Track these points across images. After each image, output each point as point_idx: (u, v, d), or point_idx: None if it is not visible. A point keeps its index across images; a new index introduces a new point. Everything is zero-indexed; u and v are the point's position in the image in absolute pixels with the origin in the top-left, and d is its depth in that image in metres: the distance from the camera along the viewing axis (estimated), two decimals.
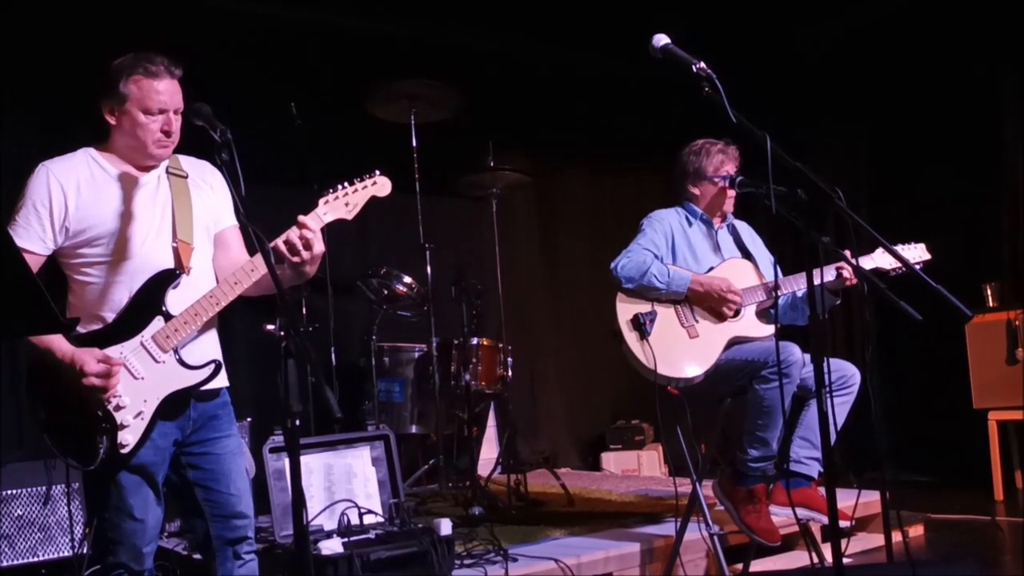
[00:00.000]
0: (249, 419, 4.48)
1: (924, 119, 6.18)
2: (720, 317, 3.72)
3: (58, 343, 2.44)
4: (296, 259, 2.53)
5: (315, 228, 2.55)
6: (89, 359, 2.43)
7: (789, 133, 5.39)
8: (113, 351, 2.49)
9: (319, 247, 2.55)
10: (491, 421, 5.94)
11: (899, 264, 3.48)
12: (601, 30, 6.18)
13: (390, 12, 5.70)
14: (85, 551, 3.78)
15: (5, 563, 3.76)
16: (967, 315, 2.08)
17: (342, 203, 2.62)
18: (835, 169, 6.70)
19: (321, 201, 2.61)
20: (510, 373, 5.05)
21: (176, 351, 2.54)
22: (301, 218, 2.56)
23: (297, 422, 2.10)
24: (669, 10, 5.55)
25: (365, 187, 2.65)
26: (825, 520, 3.53)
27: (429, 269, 4.91)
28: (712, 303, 3.71)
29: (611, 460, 6.50)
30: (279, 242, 2.53)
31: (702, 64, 2.42)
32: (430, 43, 5.92)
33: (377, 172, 2.68)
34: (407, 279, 4.92)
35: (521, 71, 6.32)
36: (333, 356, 4.95)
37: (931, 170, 6.20)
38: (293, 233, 2.53)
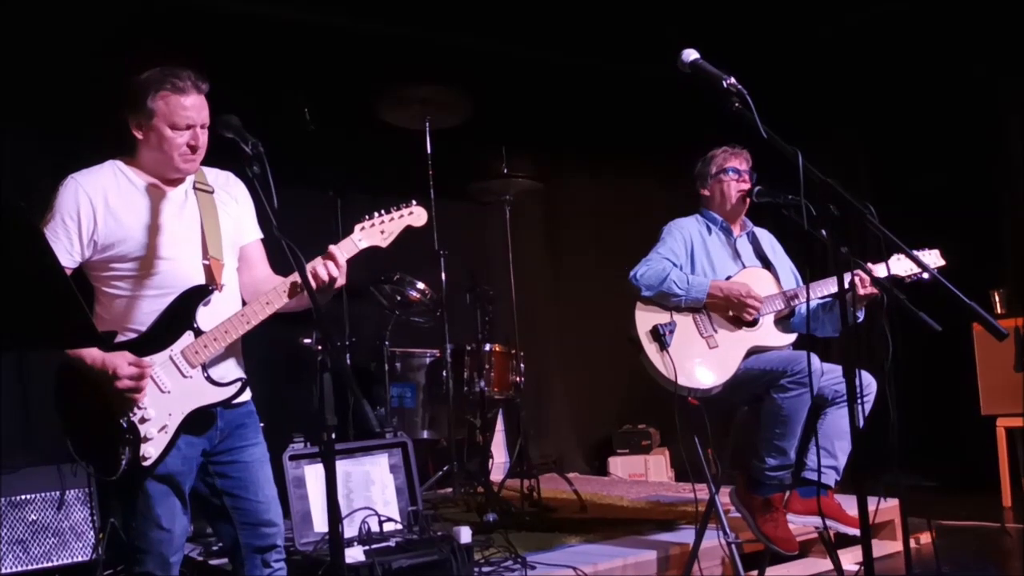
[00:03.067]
0: (262, 424, 4.47)
1: (925, 122, 6.18)
2: (739, 323, 3.73)
3: (88, 350, 2.45)
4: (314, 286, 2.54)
5: (342, 263, 2.58)
6: (121, 362, 2.44)
7: (788, 138, 5.39)
8: None
9: (341, 281, 2.58)
10: (499, 426, 5.95)
11: (915, 271, 3.50)
12: (614, 35, 6.21)
13: (404, 18, 5.71)
14: (99, 555, 3.79)
15: (19, 568, 3.76)
16: (1003, 334, 2.08)
17: (377, 231, 2.66)
18: (835, 174, 6.69)
19: (357, 227, 2.64)
20: (522, 379, 5.05)
21: (204, 367, 2.55)
22: (332, 249, 2.58)
23: (333, 435, 2.12)
24: (670, 13, 5.59)
25: (402, 216, 2.69)
26: (841, 528, 3.56)
27: (444, 275, 4.92)
28: (732, 308, 3.72)
29: (618, 464, 6.52)
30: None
31: (732, 79, 2.42)
32: (444, 50, 5.92)
33: (414, 202, 2.72)
34: (420, 285, 4.92)
35: (535, 77, 6.32)
36: (348, 361, 4.95)
37: (933, 174, 6.19)
38: (320, 266, 2.54)
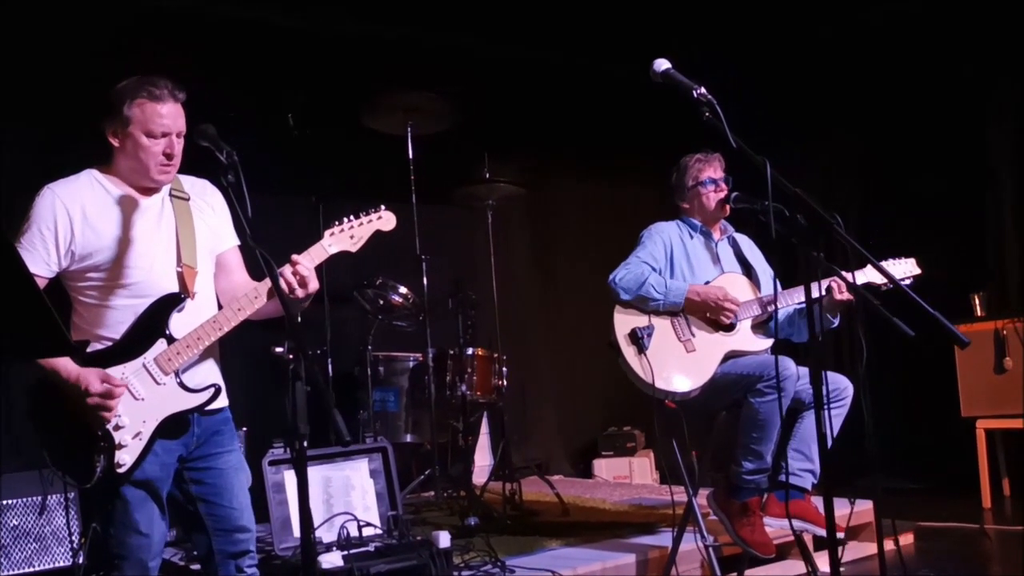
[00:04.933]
0: (244, 429, 4.48)
1: (913, 127, 6.21)
2: (716, 327, 3.75)
3: (64, 363, 2.46)
4: (291, 297, 2.56)
5: (309, 266, 2.59)
6: (93, 379, 2.46)
7: (777, 141, 5.43)
8: (115, 371, 2.52)
9: (314, 284, 2.59)
10: (483, 429, 5.96)
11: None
12: (598, 39, 6.22)
13: (387, 22, 5.71)
14: (81, 561, 3.79)
15: (0, 573, 3.76)
16: (964, 342, 2.11)
17: (347, 235, 2.68)
18: (824, 177, 6.73)
19: (327, 233, 2.67)
20: (505, 383, 5.07)
21: (177, 374, 2.57)
22: (295, 257, 2.59)
23: (305, 443, 2.13)
24: (666, 17, 5.59)
25: (371, 221, 2.72)
26: (818, 531, 3.58)
27: (425, 280, 4.93)
28: (709, 312, 3.75)
29: (603, 467, 6.54)
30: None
31: (702, 89, 2.45)
32: (427, 53, 5.93)
33: (382, 207, 2.76)
34: (403, 289, 4.93)
35: (520, 80, 6.34)
36: (330, 366, 4.97)
37: (920, 179, 6.22)
38: (287, 272, 2.56)
